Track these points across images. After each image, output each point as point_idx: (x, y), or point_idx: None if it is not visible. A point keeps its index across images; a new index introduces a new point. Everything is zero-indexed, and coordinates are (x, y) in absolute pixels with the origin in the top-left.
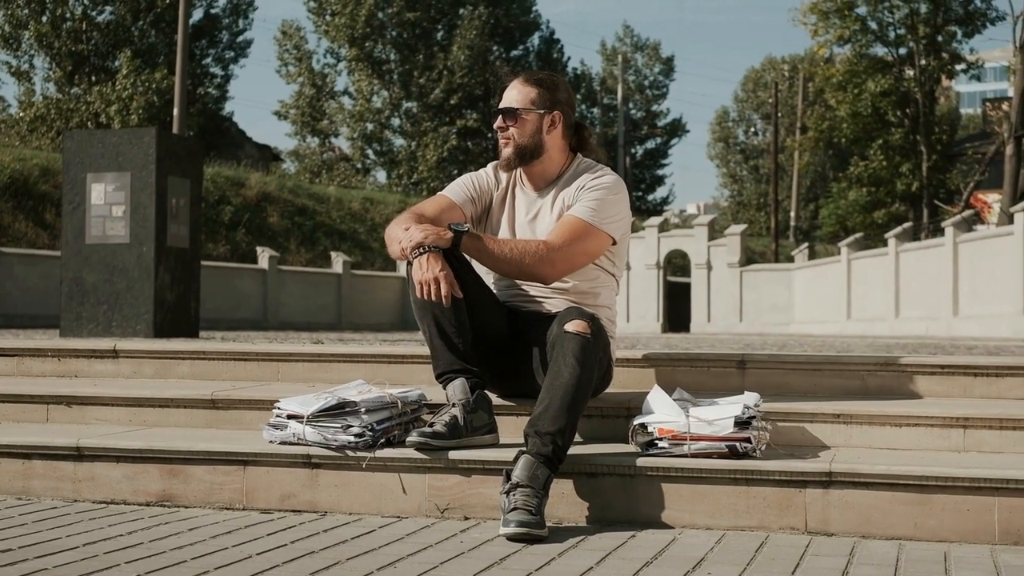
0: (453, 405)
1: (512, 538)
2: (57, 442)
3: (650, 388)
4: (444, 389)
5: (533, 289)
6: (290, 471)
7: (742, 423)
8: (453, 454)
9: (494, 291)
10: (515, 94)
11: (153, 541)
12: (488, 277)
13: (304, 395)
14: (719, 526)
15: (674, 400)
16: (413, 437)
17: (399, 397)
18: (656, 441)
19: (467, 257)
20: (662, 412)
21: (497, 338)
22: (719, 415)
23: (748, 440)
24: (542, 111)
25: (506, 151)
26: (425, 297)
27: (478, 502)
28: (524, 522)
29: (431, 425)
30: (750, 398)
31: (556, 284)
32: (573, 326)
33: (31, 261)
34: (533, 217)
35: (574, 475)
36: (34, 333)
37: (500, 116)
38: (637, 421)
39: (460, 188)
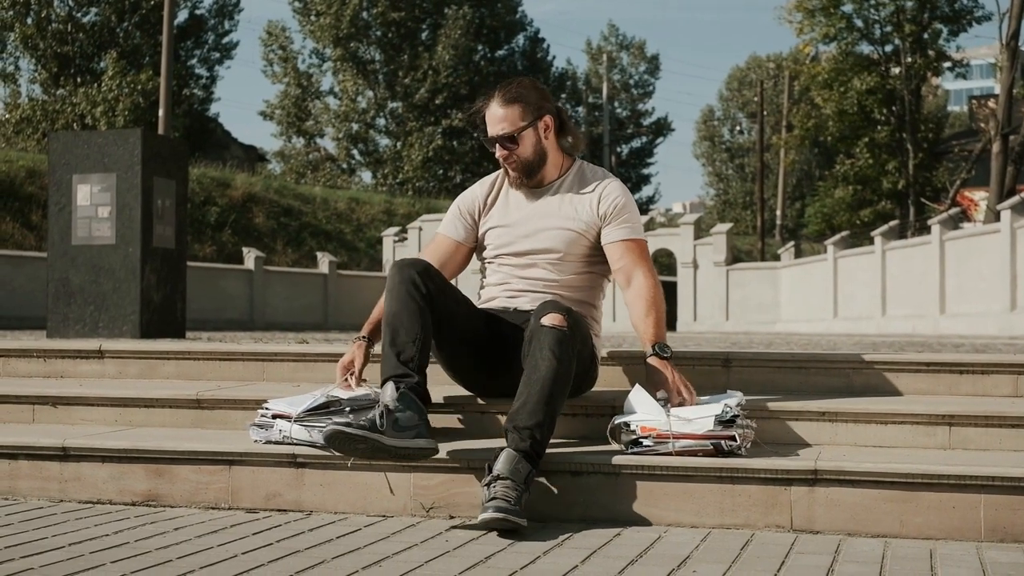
0: (378, 404)
1: (489, 523)
2: (43, 442)
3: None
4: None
5: (523, 297)
6: (275, 470)
7: (724, 422)
8: (440, 454)
9: (490, 302)
10: (501, 117)
11: (139, 541)
12: (466, 290)
13: (293, 396)
14: (704, 524)
15: (657, 399)
16: (328, 427)
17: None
18: (640, 439)
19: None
20: (643, 411)
21: (483, 346)
22: (700, 414)
23: (733, 438)
24: (533, 122)
25: (514, 173)
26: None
27: (464, 501)
28: (501, 507)
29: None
30: (733, 397)
31: (549, 288)
32: (548, 319)
33: (17, 262)
34: (539, 214)
35: (558, 473)
36: (21, 334)
37: (498, 145)
38: (618, 420)
39: (456, 221)
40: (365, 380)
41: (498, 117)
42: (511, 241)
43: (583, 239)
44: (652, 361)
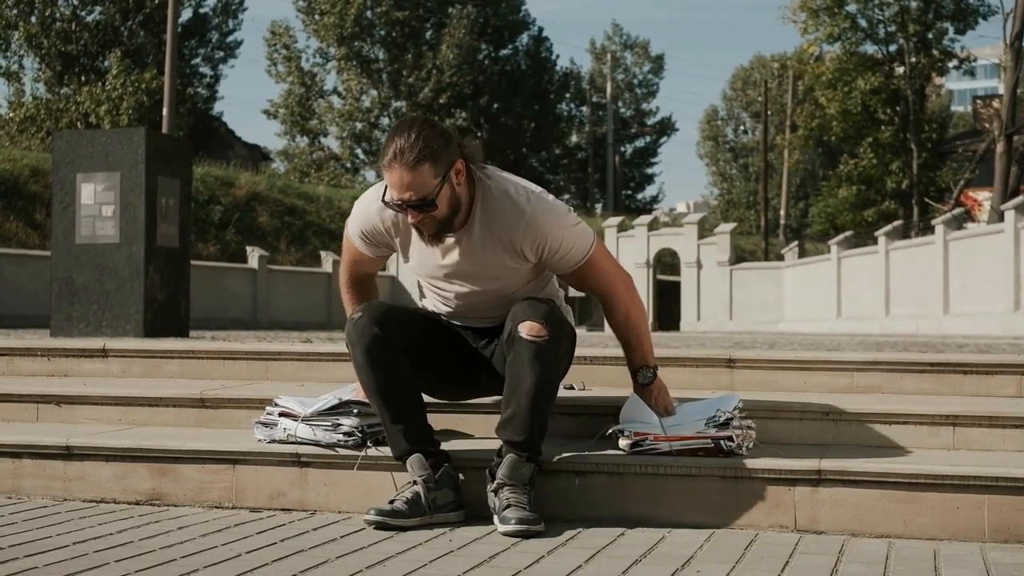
0: (414, 482)
1: (511, 535)
2: (47, 441)
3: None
4: (406, 467)
5: (472, 321)
6: (279, 470)
7: (718, 424)
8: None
9: (448, 319)
10: (409, 184)
11: (142, 540)
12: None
13: (306, 397)
14: (708, 524)
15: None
16: (370, 516)
17: None
18: (639, 442)
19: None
20: (637, 418)
21: (452, 364)
22: (691, 418)
23: (731, 438)
24: (445, 175)
25: (429, 231)
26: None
27: (467, 500)
28: (522, 519)
29: (391, 502)
30: (727, 402)
31: (497, 308)
32: (526, 329)
33: (21, 261)
34: (464, 263)
35: (563, 473)
36: (24, 333)
37: (411, 211)
38: (613, 428)
39: (368, 246)
40: None
41: (406, 183)
42: (440, 286)
43: (519, 270)
44: (635, 388)
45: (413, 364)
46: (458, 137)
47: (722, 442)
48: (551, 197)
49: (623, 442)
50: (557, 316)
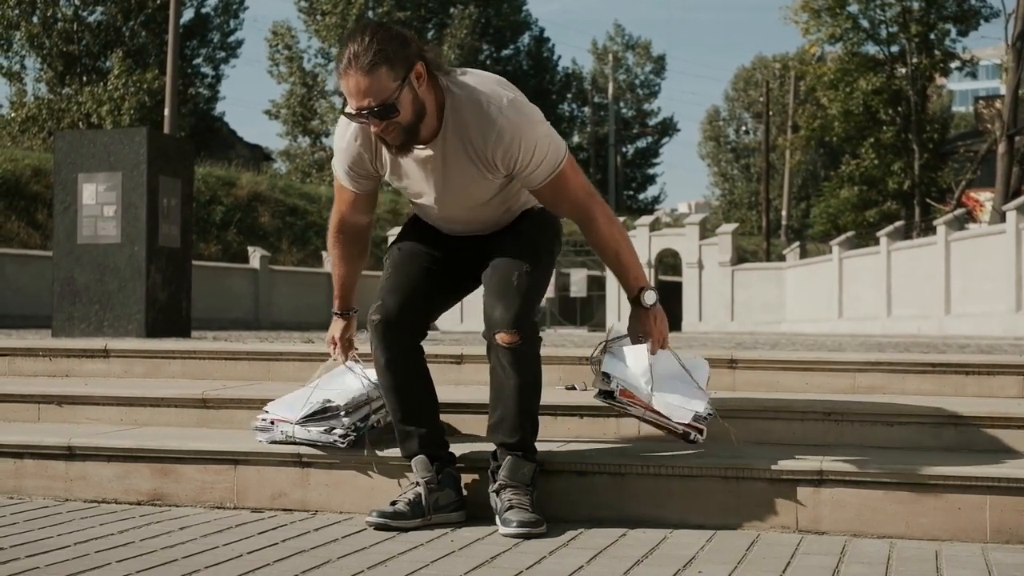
0: (416, 484)
1: (512, 536)
2: (48, 441)
3: None
4: (411, 464)
5: (469, 229)
6: (281, 470)
7: (701, 419)
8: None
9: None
10: (366, 90)
11: (144, 540)
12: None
13: (286, 396)
14: (710, 524)
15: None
16: (372, 517)
17: (373, 383)
18: (610, 392)
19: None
20: (632, 372)
21: (464, 277)
22: (683, 404)
23: (701, 431)
24: (405, 79)
25: (395, 142)
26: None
27: (469, 500)
28: (524, 520)
29: (393, 503)
30: (701, 368)
31: (479, 217)
32: (500, 338)
33: (23, 261)
34: (440, 185)
35: (564, 473)
36: (26, 333)
37: (372, 119)
38: (605, 369)
39: (355, 179)
40: (356, 348)
41: (363, 89)
42: (419, 199)
43: (491, 181)
44: (637, 310)
45: (430, 308)
46: (418, 40)
47: (692, 433)
48: (523, 102)
49: (601, 386)
50: (530, 309)
